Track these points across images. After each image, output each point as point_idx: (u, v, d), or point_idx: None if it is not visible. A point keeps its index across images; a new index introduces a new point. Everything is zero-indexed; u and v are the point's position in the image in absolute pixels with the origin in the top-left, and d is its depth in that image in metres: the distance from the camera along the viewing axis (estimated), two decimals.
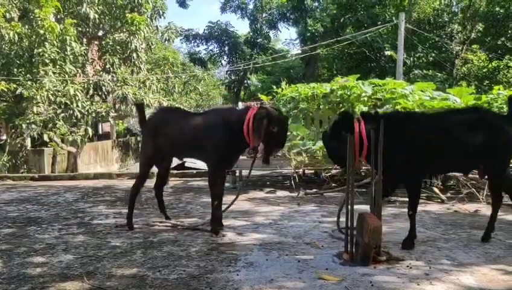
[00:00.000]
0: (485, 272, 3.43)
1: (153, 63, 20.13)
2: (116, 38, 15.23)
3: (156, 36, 18.73)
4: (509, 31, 24.20)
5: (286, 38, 72.21)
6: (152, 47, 17.91)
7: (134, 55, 15.02)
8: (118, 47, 15.19)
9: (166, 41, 21.01)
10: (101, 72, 15.38)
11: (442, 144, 4.03)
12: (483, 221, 5.15)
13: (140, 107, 5.56)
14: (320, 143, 7.28)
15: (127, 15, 15.11)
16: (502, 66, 25.22)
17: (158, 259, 3.90)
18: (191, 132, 4.86)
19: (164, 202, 5.69)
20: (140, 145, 5.49)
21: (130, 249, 4.25)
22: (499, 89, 8.55)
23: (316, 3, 31.25)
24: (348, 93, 8.10)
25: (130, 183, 9.15)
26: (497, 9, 23.66)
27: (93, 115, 14.50)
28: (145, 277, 3.46)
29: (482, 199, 6.35)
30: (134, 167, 18.29)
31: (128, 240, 4.58)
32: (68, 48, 13.46)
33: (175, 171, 10.41)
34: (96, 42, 17.18)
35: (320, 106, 8.45)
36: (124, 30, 15.35)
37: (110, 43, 15.18)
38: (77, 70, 14.66)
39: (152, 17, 16.60)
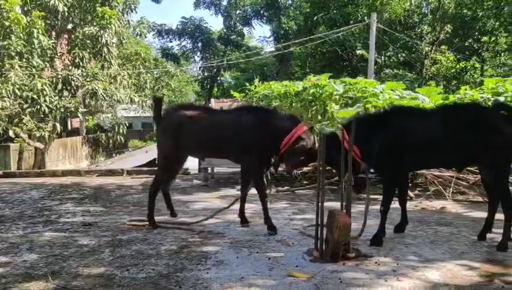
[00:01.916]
0: (450, 268, 3.51)
1: (125, 58, 19.76)
2: (86, 32, 14.87)
3: (128, 31, 18.42)
4: (476, 33, 24.87)
5: (260, 35, 72.25)
6: (123, 42, 17.61)
7: (105, 49, 14.72)
8: (88, 41, 14.85)
9: (138, 36, 20.69)
10: (70, 67, 15.00)
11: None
12: (449, 218, 5.30)
13: (158, 101, 5.17)
14: None
15: (97, 8, 14.80)
16: (469, 67, 25.94)
17: (127, 258, 3.83)
18: (229, 131, 4.66)
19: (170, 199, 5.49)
20: (157, 144, 5.15)
21: (97, 247, 4.16)
22: (466, 90, 8.77)
23: (290, 1, 31.43)
24: (320, 91, 8.15)
25: (99, 180, 9.02)
26: (465, 11, 24.28)
27: (62, 110, 14.15)
28: (112, 276, 3.40)
29: (448, 196, 6.51)
30: (104, 163, 17.96)
31: (96, 238, 4.49)
32: (35, 41, 13.09)
33: (145, 169, 10.30)
34: (65, 36, 16.77)
35: (293, 104, 8.48)
36: (95, 24, 15.01)
37: (80, 37, 14.82)
38: (45, 64, 14.28)
39: (124, 11, 16.33)
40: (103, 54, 14.85)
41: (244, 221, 4.99)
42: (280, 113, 4.94)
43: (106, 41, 14.62)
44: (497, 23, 23.54)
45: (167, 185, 5.33)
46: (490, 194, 4.35)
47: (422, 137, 4.09)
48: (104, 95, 14.81)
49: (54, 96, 13.72)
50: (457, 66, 26.06)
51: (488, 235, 4.50)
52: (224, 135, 4.66)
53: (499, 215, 4.84)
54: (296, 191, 7.33)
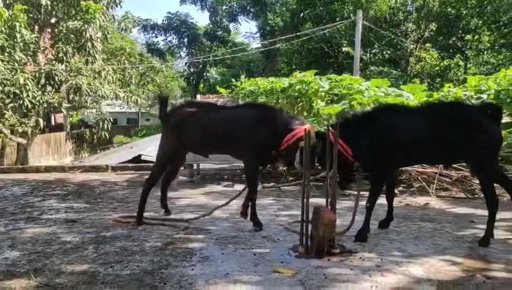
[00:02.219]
0: (433, 263, 3.55)
1: (109, 53, 19.57)
2: (70, 26, 14.66)
3: (113, 25, 18.20)
4: (460, 31, 25.20)
5: (246, 31, 72.15)
6: (108, 36, 17.37)
7: (89, 44, 14.50)
8: (72, 35, 14.63)
9: (123, 31, 20.49)
10: (54, 61, 14.77)
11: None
12: (433, 214, 5.37)
13: (164, 100, 5.17)
14: None
15: (81, 2, 14.57)
16: (452, 65, 26.29)
17: (111, 254, 3.80)
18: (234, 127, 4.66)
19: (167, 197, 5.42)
20: (161, 141, 5.11)
21: (81, 244, 4.11)
22: (450, 87, 8.89)
23: None
24: (306, 88, 8.19)
25: (83, 176, 8.92)
26: (449, 9, 24.57)
27: (45, 105, 13.95)
28: (96, 273, 3.36)
29: (432, 192, 6.60)
30: (88, 159, 17.75)
31: (79, 235, 4.43)
32: (18, 35, 12.83)
33: (130, 165, 10.22)
34: (48, 30, 16.49)
35: (279, 100, 8.49)
36: (79, 18, 14.78)
37: (64, 31, 14.60)
38: (28, 59, 14.03)
39: (108, 5, 16.11)
40: (87, 49, 14.63)
41: (245, 214, 4.95)
42: (283, 112, 4.96)
43: (90, 35, 14.41)
44: (480, 22, 23.89)
45: (168, 182, 5.30)
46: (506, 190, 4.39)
47: (410, 135, 4.14)
48: (89, 90, 14.64)
49: (37, 91, 13.51)
50: (441, 63, 26.39)
51: (471, 231, 4.58)
52: (226, 132, 4.68)
53: (484, 212, 4.92)
54: (281, 188, 7.35)
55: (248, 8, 32.18)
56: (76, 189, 7.36)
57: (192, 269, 3.42)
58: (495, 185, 4.21)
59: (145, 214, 5.11)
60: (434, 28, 25.94)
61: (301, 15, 27.23)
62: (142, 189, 5.02)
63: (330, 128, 4.18)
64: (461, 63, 26.40)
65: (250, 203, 4.74)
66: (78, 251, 3.91)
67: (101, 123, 16.21)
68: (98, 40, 15.31)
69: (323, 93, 8.19)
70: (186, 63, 34.70)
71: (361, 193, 4.77)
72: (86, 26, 14.34)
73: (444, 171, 7.00)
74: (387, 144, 4.17)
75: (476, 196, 6.48)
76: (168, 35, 33.89)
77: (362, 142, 4.25)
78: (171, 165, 5.14)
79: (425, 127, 4.13)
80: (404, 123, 4.22)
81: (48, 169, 9.94)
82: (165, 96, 5.42)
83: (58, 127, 23.93)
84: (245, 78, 9.54)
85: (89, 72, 15.11)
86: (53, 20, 16.12)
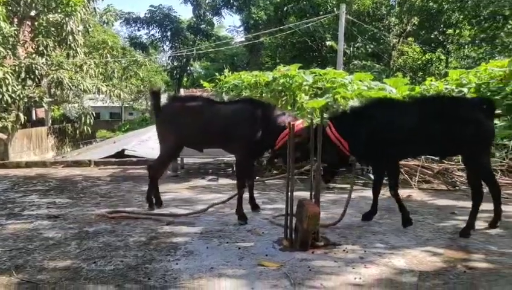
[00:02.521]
0: (415, 254, 3.61)
1: (91, 46, 19.27)
2: (50, 19, 14.34)
3: (94, 19, 17.92)
4: (441, 26, 25.49)
5: (230, 25, 71.66)
6: (90, 30, 17.09)
7: (70, 37, 14.23)
8: (53, 28, 14.33)
9: (105, 24, 20.20)
10: (34, 55, 14.46)
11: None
12: (415, 206, 5.44)
13: (156, 94, 5.24)
14: None
15: None
16: (434, 59, 26.62)
17: (94, 250, 3.76)
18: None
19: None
20: (158, 135, 5.25)
21: (63, 240, 4.07)
22: (431, 81, 9.00)
23: None
24: (290, 81, 8.18)
25: (65, 171, 8.81)
26: (430, 4, 24.82)
27: (26, 100, 13.67)
28: (79, 269, 3.33)
29: (414, 185, 6.68)
30: (70, 154, 17.51)
31: (62, 231, 4.38)
32: None
33: (113, 159, 10.12)
34: (28, 23, 16.11)
35: (263, 94, 8.47)
36: (59, 11, 14.49)
37: (44, 24, 14.29)
38: (7, 52, 13.69)
39: None
40: (68, 42, 14.35)
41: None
42: (277, 109, 5.02)
43: (71, 29, 14.13)
44: (462, 16, 24.20)
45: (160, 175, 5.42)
46: (487, 186, 4.46)
47: (408, 128, 4.21)
48: (70, 85, 14.39)
49: (17, 85, 13.21)
50: (423, 57, 26.70)
51: (452, 223, 4.66)
52: (221, 127, 4.74)
53: (465, 203, 5.01)
54: (266, 181, 7.35)
55: (231, 1, 32.01)
56: (59, 184, 7.26)
57: (177, 264, 3.41)
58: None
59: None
60: (416, 22, 26.20)
61: (285, 9, 27.24)
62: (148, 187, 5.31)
63: (329, 122, 4.28)
64: (443, 57, 26.75)
65: (237, 197, 4.80)
66: (60, 247, 3.86)
67: (83, 118, 15.98)
68: (80, 33, 15.05)
69: (307, 87, 8.20)
70: (169, 57, 34.42)
71: (343, 185, 4.81)
72: (66, 19, 14.06)
73: (426, 164, 7.10)
74: (384, 138, 4.24)
75: (457, 188, 6.59)
76: (150, 28, 33.54)
77: (359, 137, 4.33)
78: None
79: (422, 120, 4.19)
80: (401, 117, 4.28)
81: (29, 164, 9.78)
82: (157, 89, 5.44)
83: (40, 122, 23.51)
84: (229, 72, 9.48)
85: (71, 66, 14.86)
86: (33, 13, 15.76)
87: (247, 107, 4.84)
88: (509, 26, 21.35)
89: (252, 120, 4.65)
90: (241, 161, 4.87)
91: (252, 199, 5.18)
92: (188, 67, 34.92)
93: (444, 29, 25.73)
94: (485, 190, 4.27)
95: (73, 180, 7.71)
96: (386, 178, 4.77)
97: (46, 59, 14.21)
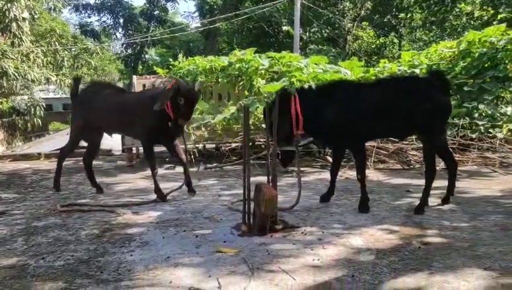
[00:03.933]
0: (372, 233, 3.64)
1: (39, 35, 18.41)
2: None
3: (40, 5, 17.10)
4: (394, 10, 26.03)
5: (185, 11, 70.27)
6: (36, 17, 16.32)
7: (14, 24, 13.55)
8: None
9: (53, 11, 19.34)
10: None
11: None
12: (371, 186, 5.51)
13: (77, 81, 5.75)
14: (220, 117, 7.21)
15: None
16: (388, 42, 27.18)
17: (42, 246, 3.56)
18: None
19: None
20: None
21: (9, 237, 3.83)
22: (385, 63, 9.15)
23: None
24: (246, 66, 8.08)
25: (12, 165, 8.38)
26: None
27: None
28: (26, 266, 3.14)
29: (370, 165, 6.78)
30: (21, 148, 16.75)
31: (7, 227, 4.13)
32: None
33: None
34: None
35: (219, 79, 8.34)
36: None
37: None
38: None
39: None
40: (12, 30, 13.66)
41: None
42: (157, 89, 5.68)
43: (15, 15, 13.44)
44: (413, 1, 24.75)
45: (90, 159, 5.68)
46: (444, 162, 4.55)
47: (365, 109, 4.20)
48: (16, 75, 13.72)
49: None
50: (377, 41, 27.21)
51: (407, 200, 4.75)
52: (120, 116, 5.16)
53: (419, 181, 5.13)
54: (224, 168, 7.28)
55: None
56: (6, 179, 6.89)
57: (131, 255, 3.28)
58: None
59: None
60: (370, 7, 26.61)
61: None
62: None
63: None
64: (396, 40, 27.36)
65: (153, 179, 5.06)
66: (6, 244, 3.63)
67: (32, 109, 15.31)
68: (26, 21, 14.34)
69: (263, 71, 8.13)
70: (122, 44, 33.41)
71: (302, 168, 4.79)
72: (9, 5, 13.34)
73: (381, 144, 7.23)
74: (349, 119, 4.22)
75: (412, 167, 6.75)
76: (102, 15, 32.34)
77: (321, 117, 4.28)
78: (90, 142, 5.64)
79: (380, 101, 4.21)
80: (360, 98, 4.27)
81: None
82: (78, 77, 6.13)
83: None
84: (183, 57, 9.25)
85: (16, 54, 14.13)
86: None
87: (138, 96, 5.64)
88: (457, 10, 22.03)
89: (143, 106, 4.93)
90: (144, 145, 5.27)
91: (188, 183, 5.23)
92: (143, 55, 34.03)
93: (396, 13, 26.27)
94: (437, 167, 4.37)
95: (22, 174, 7.34)
96: (344, 160, 4.78)
97: None
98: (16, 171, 7.62)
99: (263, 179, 4.34)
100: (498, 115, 7.14)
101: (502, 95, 7.75)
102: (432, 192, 4.33)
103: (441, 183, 4.68)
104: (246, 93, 8.09)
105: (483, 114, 7.25)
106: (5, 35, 14.06)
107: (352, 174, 6.40)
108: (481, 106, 7.10)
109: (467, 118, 7.13)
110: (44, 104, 16.43)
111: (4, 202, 5.25)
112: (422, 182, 4.40)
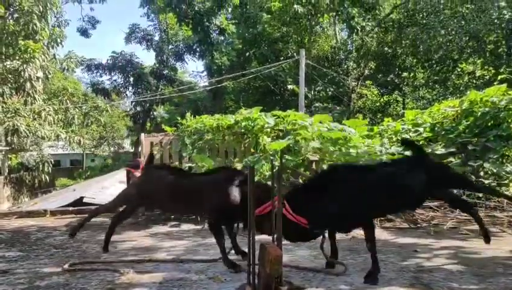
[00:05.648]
0: None
1: (51, 93, 19.03)
2: (8, 66, 14.15)
3: (54, 65, 17.77)
4: (397, 69, 26.69)
5: (193, 70, 72.20)
6: (49, 76, 16.91)
7: (28, 84, 14.04)
8: (10, 75, 14.11)
9: (66, 71, 20.05)
10: None
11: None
12: (378, 245, 5.39)
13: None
14: None
15: (20, 42, 14.14)
16: (391, 100, 27.64)
17: None
18: None
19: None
20: None
21: None
22: (389, 121, 9.31)
23: (222, 38, 31.96)
24: (252, 124, 8.25)
25: (18, 222, 8.37)
26: (386, 49, 26.03)
27: None
28: None
29: (377, 224, 6.71)
30: (27, 204, 16.77)
31: (10, 286, 4.09)
32: None
33: (71, 208, 9.75)
34: None
35: (226, 137, 8.48)
36: (17, 58, 14.32)
37: (0, 71, 14.05)
38: None
39: (49, 45, 15.77)
40: (26, 89, 14.14)
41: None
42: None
43: (29, 75, 13.97)
44: (415, 60, 25.44)
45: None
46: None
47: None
48: (27, 132, 14.04)
49: None
50: (381, 99, 27.67)
51: (415, 261, 4.67)
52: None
53: (426, 241, 5.06)
54: None
55: (194, 47, 32.51)
56: (10, 237, 6.87)
57: None
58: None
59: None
60: (373, 66, 27.33)
61: (247, 54, 27.88)
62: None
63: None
64: (399, 98, 27.83)
65: None
66: None
67: (41, 166, 15.51)
68: (40, 80, 14.88)
69: (268, 129, 8.29)
70: (132, 102, 34.21)
71: None
72: (24, 66, 13.90)
73: None
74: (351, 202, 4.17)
75: (419, 225, 6.67)
76: (113, 74, 33.35)
77: (322, 208, 4.16)
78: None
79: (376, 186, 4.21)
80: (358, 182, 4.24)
81: None
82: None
83: None
84: (191, 115, 9.46)
85: (28, 112, 14.53)
86: None
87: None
88: (458, 69, 22.54)
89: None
90: None
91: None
92: (152, 112, 34.72)
93: (400, 72, 26.90)
94: (445, 226, 4.33)
95: (27, 231, 7.32)
96: None
97: (2, 106, 13.86)
98: (21, 229, 7.60)
99: (268, 238, 4.31)
100: (504, 173, 7.13)
101: (507, 153, 7.78)
102: (439, 252, 4.27)
103: (448, 243, 4.62)
104: (252, 150, 8.20)
105: (489, 172, 7.25)
106: (19, 94, 14.55)
107: (358, 233, 6.32)
108: (486, 165, 7.11)
109: (472, 176, 7.12)
110: (52, 160, 16.64)
111: (8, 260, 5.21)
112: (429, 241, 4.36)
